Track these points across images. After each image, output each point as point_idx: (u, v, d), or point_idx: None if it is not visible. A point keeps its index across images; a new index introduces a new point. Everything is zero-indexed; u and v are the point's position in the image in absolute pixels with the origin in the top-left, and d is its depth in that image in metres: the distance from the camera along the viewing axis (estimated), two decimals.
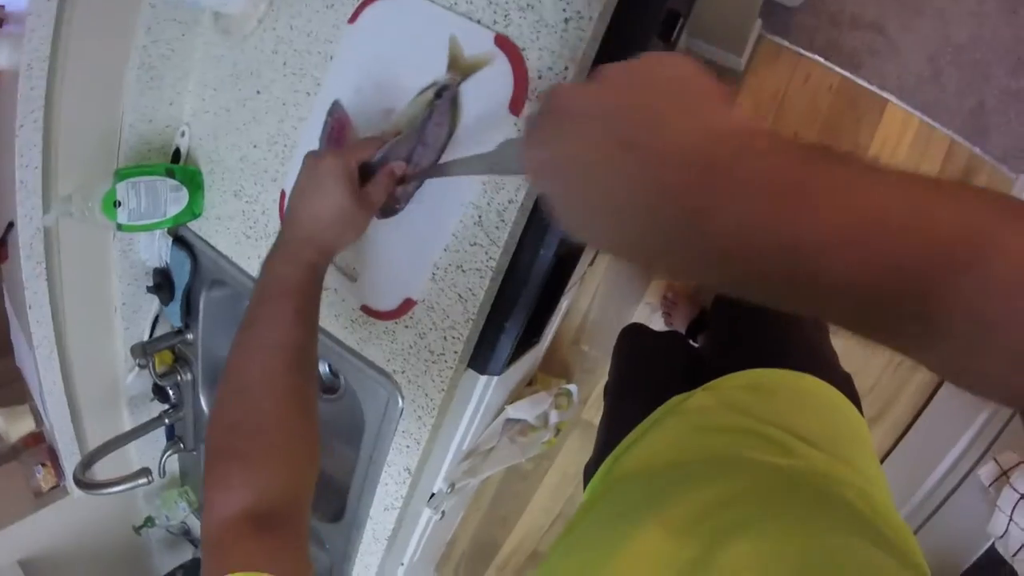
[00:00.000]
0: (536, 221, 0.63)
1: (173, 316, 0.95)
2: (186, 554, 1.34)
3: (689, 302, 1.54)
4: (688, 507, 0.43)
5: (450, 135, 0.60)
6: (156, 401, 1.05)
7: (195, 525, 1.25)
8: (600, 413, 1.74)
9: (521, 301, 0.68)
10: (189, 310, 0.95)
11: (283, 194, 0.77)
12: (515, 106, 0.58)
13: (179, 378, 1.00)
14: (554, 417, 1.17)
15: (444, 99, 0.59)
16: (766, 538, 0.37)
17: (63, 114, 0.81)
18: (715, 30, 1.18)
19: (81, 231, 0.90)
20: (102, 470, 0.96)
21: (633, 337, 1.11)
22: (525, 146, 0.33)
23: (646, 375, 0.97)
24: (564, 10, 0.56)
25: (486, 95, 0.59)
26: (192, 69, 0.88)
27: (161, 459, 1.08)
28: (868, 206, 0.23)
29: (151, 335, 1.02)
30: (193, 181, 0.87)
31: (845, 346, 0.77)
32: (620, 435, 0.71)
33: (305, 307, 0.53)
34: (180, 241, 0.91)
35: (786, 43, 1.40)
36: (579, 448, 1.76)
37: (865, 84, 1.36)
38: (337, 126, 0.68)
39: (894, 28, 1.31)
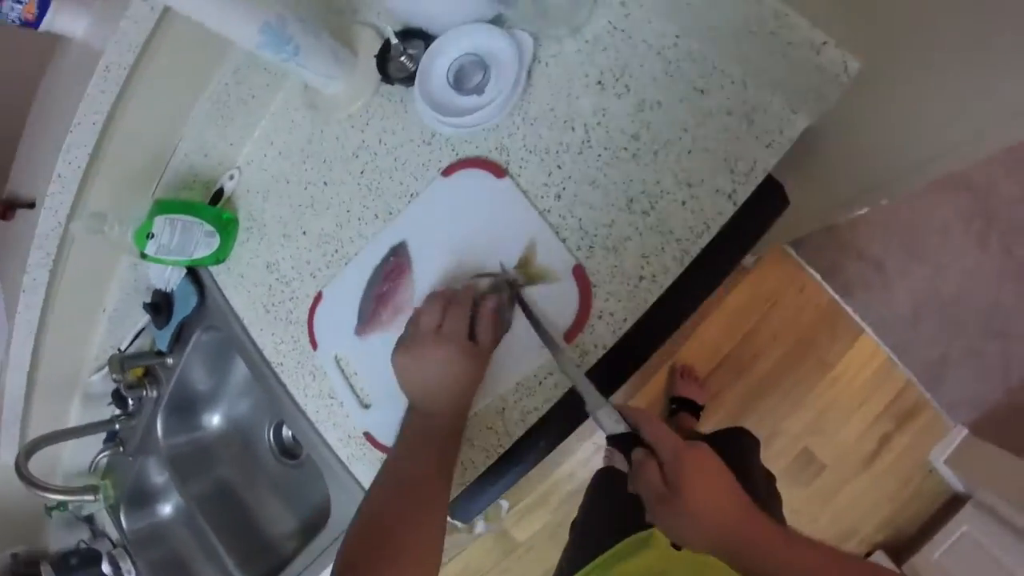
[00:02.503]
0: (548, 427, 0.67)
1: (161, 340, 0.94)
2: (82, 533, 1.30)
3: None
4: None
5: (506, 330, 0.64)
6: (112, 404, 1.03)
7: (102, 518, 1.22)
8: (520, 525, 1.78)
9: (511, 476, 0.71)
10: (179, 340, 0.94)
11: (319, 296, 0.77)
12: (571, 335, 0.62)
13: (144, 393, 0.99)
14: (480, 528, 1.20)
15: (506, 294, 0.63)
16: None
17: (123, 124, 0.80)
18: None
19: (96, 237, 0.88)
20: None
21: (608, 479, 1.17)
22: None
23: (614, 514, 1.01)
24: (643, 267, 0.60)
25: (548, 315, 0.62)
26: (263, 119, 0.88)
27: (96, 456, 1.06)
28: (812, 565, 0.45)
29: (130, 344, 1.00)
30: (227, 228, 0.87)
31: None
32: (584, 563, 0.76)
33: (448, 460, 0.60)
34: (193, 275, 0.90)
35: (794, 253, 1.50)
36: (489, 549, 1.79)
37: (850, 311, 1.47)
38: (397, 267, 0.70)
39: (892, 269, 1.43)
